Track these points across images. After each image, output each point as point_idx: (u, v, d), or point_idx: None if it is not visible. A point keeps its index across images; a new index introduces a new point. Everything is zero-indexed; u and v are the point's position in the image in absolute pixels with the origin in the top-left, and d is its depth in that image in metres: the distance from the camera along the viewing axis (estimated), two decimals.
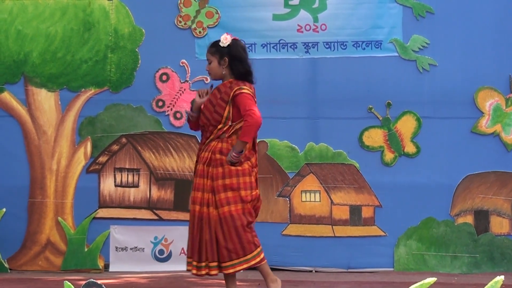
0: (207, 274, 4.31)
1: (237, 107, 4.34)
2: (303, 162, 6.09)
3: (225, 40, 4.44)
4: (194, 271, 4.33)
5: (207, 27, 6.17)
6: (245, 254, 4.26)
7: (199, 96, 4.50)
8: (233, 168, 4.32)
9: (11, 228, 6.08)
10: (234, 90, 4.35)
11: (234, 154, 4.27)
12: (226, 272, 4.30)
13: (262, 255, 4.34)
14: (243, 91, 4.34)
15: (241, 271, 4.32)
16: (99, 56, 6.20)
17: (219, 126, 4.37)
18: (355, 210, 6.04)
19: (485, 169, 5.98)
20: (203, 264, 4.30)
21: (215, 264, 4.28)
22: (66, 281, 2.35)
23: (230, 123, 4.36)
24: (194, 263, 4.32)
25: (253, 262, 4.30)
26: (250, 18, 6.17)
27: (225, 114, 4.37)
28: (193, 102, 4.58)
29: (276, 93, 6.11)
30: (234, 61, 4.41)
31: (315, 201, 6.06)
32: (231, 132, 4.36)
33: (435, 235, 5.97)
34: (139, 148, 6.15)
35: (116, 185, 6.16)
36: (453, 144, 5.99)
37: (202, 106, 4.47)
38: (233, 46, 4.44)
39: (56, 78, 6.21)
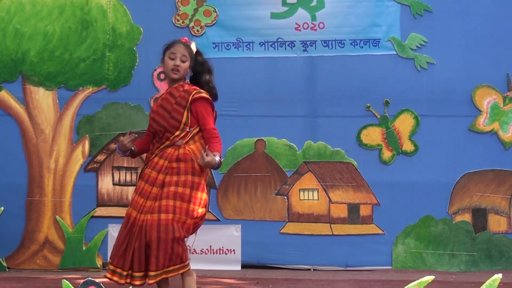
0: (129, 283, 4.05)
1: (195, 112, 4.19)
2: (301, 161, 6.09)
3: (194, 47, 4.36)
4: (116, 278, 4.07)
5: (205, 25, 6.17)
6: (169, 265, 4.02)
7: (124, 141, 4.31)
8: (189, 179, 4.11)
9: (9, 226, 6.08)
10: (192, 94, 4.18)
11: (218, 160, 4.08)
12: (149, 282, 4.07)
13: (186, 269, 4.07)
14: (202, 94, 4.20)
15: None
16: (97, 55, 6.20)
17: (177, 133, 4.17)
18: (353, 209, 6.05)
19: (483, 167, 5.98)
20: (125, 273, 4.07)
21: (140, 274, 4.05)
22: (64, 280, 2.35)
23: (188, 129, 4.18)
24: (118, 270, 4.08)
25: (171, 275, 4.05)
26: (248, 17, 6.17)
27: (183, 120, 4.17)
28: (119, 145, 4.39)
29: (274, 91, 6.11)
30: (203, 70, 4.33)
31: (313, 200, 6.07)
32: (189, 137, 4.18)
33: (433, 233, 5.98)
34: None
35: (114, 184, 6.16)
36: (451, 142, 6.00)
37: (151, 114, 4.28)
38: (198, 54, 4.35)
39: (54, 76, 6.21)
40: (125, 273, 4.08)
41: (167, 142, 4.19)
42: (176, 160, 4.14)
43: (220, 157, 4.09)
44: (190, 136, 4.19)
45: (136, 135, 4.36)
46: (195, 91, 4.20)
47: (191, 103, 4.17)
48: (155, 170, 4.17)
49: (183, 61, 4.26)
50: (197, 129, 4.21)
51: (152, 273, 4.02)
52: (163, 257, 4.00)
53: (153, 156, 4.23)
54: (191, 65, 4.29)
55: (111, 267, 4.12)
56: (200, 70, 4.35)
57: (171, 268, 4.03)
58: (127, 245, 4.10)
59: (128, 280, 4.08)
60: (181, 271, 4.06)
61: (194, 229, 4.23)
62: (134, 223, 4.10)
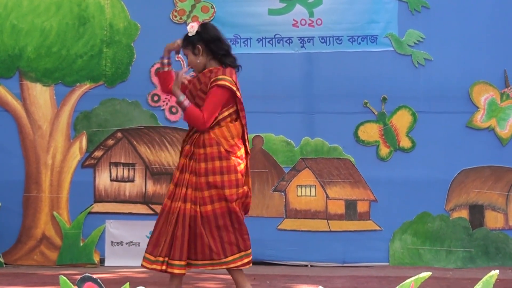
0: (165, 271, 4.13)
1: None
2: (299, 157, 6.10)
3: (192, 28, 4.27)
4: (164, 267, 4.13)
5: (203, 21, 6.16)
6: (225, 255, 4.12)
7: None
8: (217, 164, 4.15)
9: (6, 222, 6.08)
10: (211, 81, 4.20)
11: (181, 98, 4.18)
12: (201, 268, 4.18)
13: (244, 260, 4.18)
14: (219, 82, 4.19)
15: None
16: (94, 51, 6.19)
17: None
18: (350, 205, 6.05)
19: (480, 164, 5.99)
20: (161, 259, 4.13)
21: (181, 263, 4.09)
22: (62, 276, 2.35)
23: None
24: (161, 258, 4.14)
25: (232, 265, 4.15)
26: (245, 13, 6.16)
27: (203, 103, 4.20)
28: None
29: (271, 87, 6.11)
30: (210, 45, 4.26)
31: (310, 196, 6.07)
32: (214, 122, 4.19)
33: (430, 230, 5.98)
34: (135, 142, 6.14)
35: (111, 180, 6.16)
36: (448, 139, 6.00)
37: (186, 92, 4.30)
38: (202, 31, 4.27)
39: (51, 72, 6.20)
40: (161, 259, 4.13)
41: (194, 128, 4.25)
42: (203, 146, 4.18)
43: (185, 101, 4.19)
44: (215, 121, 4.19)
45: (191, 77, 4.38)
46: (214, 78, 4.21)
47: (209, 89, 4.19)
48: (184, 157, 4.25)
49: (187, 56, 4.32)
50: (224, 114, 4.22)
51: (199, 262, 4.12)
52: (214, 246, 4.08)
53: (184, 144, 4.31)
54: (195, 51, 4.26)
55: (149, 256, 4.17)
56: (210, 47, 4.30)
57: (229, 257, 4.13)
58: (165, 233, 4.14)
59: (164, 267, 4.13)
60: (244, 260, 4.17)
61: (245, 209, 4.31)
62: (170, 211, 4.17)
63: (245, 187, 4.26)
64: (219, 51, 4.28)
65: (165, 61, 4.43)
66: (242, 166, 4.26)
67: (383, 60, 6.05)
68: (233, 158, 4.19)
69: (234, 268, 4.19)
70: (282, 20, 6.13)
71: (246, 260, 4.19)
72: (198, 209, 4.13)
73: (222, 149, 4.17)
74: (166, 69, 4.44)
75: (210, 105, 4.17)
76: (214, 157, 4.17)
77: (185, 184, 4.18)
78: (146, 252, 4.22)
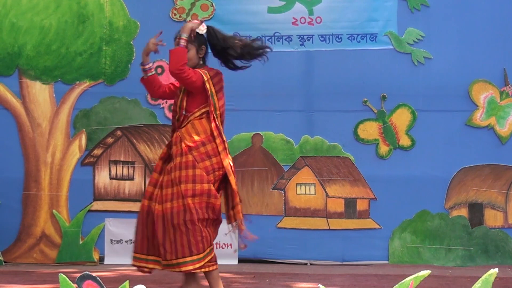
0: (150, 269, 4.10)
1: (193, 95, 4.16)
2: (298, 155, 6.09)
3: (203, 27, 4.24)
4: (151, 266, 4.09)
5: (202, 20, 6.15)
6: (177, 257, 3.96)
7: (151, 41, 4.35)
8: (177, 161, 4.04)
9: (6, 221, 6.08)
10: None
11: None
12: (161, 268, 4.09)
13: (196, 265, 3.94)
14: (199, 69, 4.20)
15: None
16: (94, 49, 6.19)
17: (176, 117, 4.23)
18: (350, 203, 6.05)
19: (479, 162, 5.99)
20: (143, 257, 4.11)
21: (156, 258, 4.07)
22: (61, 274, 2.35)
23: (183, 113, 4.17)
24: (139, 256, 4.12)
25: (183, 269, 3.96)
26: (245, 11, 6.16)
27: (178, 103, 4.21)
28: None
29: (271, 86, 6.11)
30: (216, 49, 4.28)
31: (310, 194, 6.07)
32: (185, 123, 4.14)
33: (429, 228, 5.99)
34: (134, 140, 6.14)
35: (111, 178, 6.16)
36: (447, 137, 6.00)
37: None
38: (209, 34, 4.26)
39: (50, 70, 6.19)
40: (143, 257, 4.11)
41: (172, 127, 4.29)
42: (172, 146, 4.17)
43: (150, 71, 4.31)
44: (187, 121, 4.16)
45: (162, 31, 4.39)
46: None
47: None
48: (159, 158, 4.27)
49: (189, 51, 4.21)
50: (196, 115, 4.15)
51: (180, 260, 3.95)
52: (168, 245, 3.97)
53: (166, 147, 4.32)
54: (199, 50, 4.23)
55: (136, 255, 4.15)
56: (217, 48, 4.29)
57: (181, 260, 3.94)
58: (143, 232, 4.12)
59: (151, 265, 4.11)
60: (190, 267, 3.95)
61: (213, 211, 4.06)
62: (145, 210, 4.15)
63: (203, 185, 4.03)
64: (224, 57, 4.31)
65: (146, 66, 4.41)
66: (207, 162, 4.09)
67: (382, 58, 6.05)
68: (194, 153, 4.06)
69: (188, 272, 4.03)
70: (282, 18, 6.13)
71: (198, 265, 3.96)
72: (161, 207, 4.04)
73: (184, 145, 4.09)
74: (149, 74, 4.42)
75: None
76: (177, 154, 4.10)
77: (154, 184, 4.18)
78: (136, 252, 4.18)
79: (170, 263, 3.98)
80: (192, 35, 4.21)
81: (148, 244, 4.11)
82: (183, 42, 4.15)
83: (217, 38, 4.26)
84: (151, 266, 4.11)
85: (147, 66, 4.39)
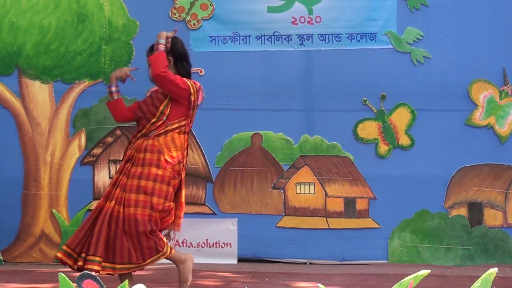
0: (81, 268, 4.03)
1: (177, 105, 4.23)
2: (298, 154, 6.09)
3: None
4: (71, 262, 4.12)
5: (202, 19, 6.15)
6: (144, 260, 4.10)
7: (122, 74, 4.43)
8: (153, 171, 4.14)
9: (5, 220, 6.08)
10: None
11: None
12: (114, 272, 4.13)
13: (166, 255, 4.15)
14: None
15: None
16: (93, 48, 6.18)
17: (153, 120, 4.23)
18: (349, 203, 6.05)
19: (479, 162, 5.99)
20: (75, 255, 4.11)
21: (98, 259, 4.05)
22: (61, 273, 2.35)
23: (164, 119, 4.22)
24: (75, 254, 4.12)
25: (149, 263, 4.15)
26: (244, 10, 6.16)
27: (161, 108, 4.23)
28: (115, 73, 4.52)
29: (270, 85, 6.11)
30: (177, 60, 4.35)
31: (309, 193, 6.07)
32: (162, 130, 4.21)
33: (429, 228, 5.99)
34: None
35: (110, 177, 6.15)
36: (447, 137, 6.00)
37: (140, 102, 4.36)
38: (173, 45, 4.36)
39: (50, 70, 6.19)
40: (75, 255, 4.11)
41: (143, 131, 4.25)
42: (144, 151, 4.19)
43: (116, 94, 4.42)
44: (164, 130, 4.22)
45: (138, 68, 4.54)
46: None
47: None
48: (124, 161, 4.26)
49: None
50: (174, 126, 4.23)
51: (117, 266, 4.07)
52: (133, 251, 4.05)
53: (127, 149, 4.32)
54: (169, 63, 4.30)
55: (67, 249, 4.14)
56: (177, 63, 4.38)
57: (148, 261, 4.10)
58: (87, 229, 4.13)
59: (81, 263, 4.08)
60: (161, 258, 4.13)
61: (163, 224, 4.25)
62: (100, 209, 4.15)
63: (171, 203, 4.24)
64: (182, 71, 4.36)
65: (113, 89, 4.48)
66: (176, 181, 4.27)
67: (382, 57, 6.05)
68: (169, 169, 4.19)
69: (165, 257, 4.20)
70: (281, 17, 6.13)
71: (162, 258, 4.16)
72: (121, 210, 4.11)
73: (162, 158, 4.18)
74: (116, 97, 4.49)
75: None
76: (153, 163, 4.17)
77: (115, 184, 4.20)
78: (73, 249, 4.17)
79: (135, 265, 4.09)
80: (167, 45, 4.29)
81: (85, 242, 4.12)
82: (161, 47, 4.26)
83: (178, 49, 4.38)
84: (70, 262, 4.14)
85: (114, 89, 4.46)
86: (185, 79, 4.27)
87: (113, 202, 4.13)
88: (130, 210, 4.09)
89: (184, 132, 4.31)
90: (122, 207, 4.11)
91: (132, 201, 4.10)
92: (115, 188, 4.18)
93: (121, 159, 6.15)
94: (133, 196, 4.11)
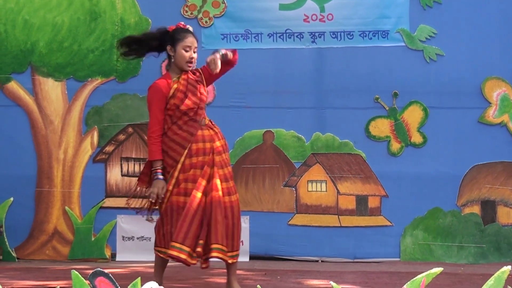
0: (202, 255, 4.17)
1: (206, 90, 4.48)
2: (310, 152, 6.09)
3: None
4: (189, 259, 4.17)
5: (214, 17, 6.16)
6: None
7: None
8: (228, 157, 4.42)
9: (19, 217, 6.11)
10: (202, 71, 4.48)
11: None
12: (231, 261, 4.30)
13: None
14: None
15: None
16: (106, 46, 6.20)
17: (196, 109, 4.36)
18: (361, 200, 6.04)
19: (492, 159, 5.97)
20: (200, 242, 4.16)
21: (224, 248, 4.19)
22: (74, 270, 2.35)
23: (203, 106, 4.44)
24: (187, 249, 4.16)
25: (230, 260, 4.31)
26: (256, 8, 6.15)
27: (198, 94, 4.40)
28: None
29: (282, 83, 6.10)
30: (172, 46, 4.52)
31: (321, 191, 6.07)
32: (206, 116, 4.46)
33: (441, 225, 5.97)
34: (146, 137, 6.15)
35: (122, 175, 6.18)
36: (460, 134, 5.98)
37: (180, 93, 4.35)
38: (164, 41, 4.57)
39: (63, 67, 6.22)
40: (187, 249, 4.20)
41: (204, 120, 4.37)
42: (218, 139, 4.35)
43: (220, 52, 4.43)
44: (204, 115, 4.43)
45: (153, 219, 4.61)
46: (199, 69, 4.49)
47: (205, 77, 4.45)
48: (201, 155, 4.29)
49: (195, 52, 4.46)
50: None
51: (234, 253, 4.32)
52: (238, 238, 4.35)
53: (191, 143, 4.28)
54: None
55: (182, 247, 4.18)
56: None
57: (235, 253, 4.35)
58: (207, 223, 4.19)
59: (200, 249, 4.18)
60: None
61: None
62: (200, 202, 4.20)
63: None
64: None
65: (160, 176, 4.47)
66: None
67: (394, 55, 6.03)
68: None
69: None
70: (293, 15, 6.12)
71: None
72: (232, 199, 4.31)
73: (224, 143, 4.43)
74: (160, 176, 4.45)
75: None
76: (226, 149, 4.43)
77: (211, 176, 4.26)
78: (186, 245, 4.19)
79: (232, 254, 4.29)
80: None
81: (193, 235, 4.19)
82: (159, 176, 4.39)
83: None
84: (184, 256, 4.18)
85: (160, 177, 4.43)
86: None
87: (220, 192, 4.20)
88: (238, 196, 4.39)
89: None
90: (228, 196, 4.28)
91: (232, 188, 4.33)
92: (210, 181, 4.24)
93: (133, 156, 6.19)
94: (231, 183, 4.34)
